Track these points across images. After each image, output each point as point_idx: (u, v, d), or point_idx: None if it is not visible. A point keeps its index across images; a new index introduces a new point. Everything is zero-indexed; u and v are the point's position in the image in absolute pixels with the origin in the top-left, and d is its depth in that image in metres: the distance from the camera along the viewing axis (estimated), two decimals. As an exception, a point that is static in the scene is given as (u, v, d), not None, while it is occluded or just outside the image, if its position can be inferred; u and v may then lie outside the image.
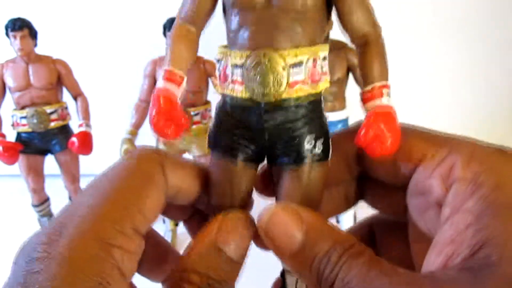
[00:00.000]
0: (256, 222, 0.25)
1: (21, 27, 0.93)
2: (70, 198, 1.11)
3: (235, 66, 0.24)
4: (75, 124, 1.02)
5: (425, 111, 1.41)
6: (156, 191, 0.24)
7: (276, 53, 0.23)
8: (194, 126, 1.00)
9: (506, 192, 0.20)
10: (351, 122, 1.00)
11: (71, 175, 1.07)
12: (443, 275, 0.19)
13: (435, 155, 0.24)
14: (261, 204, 0.29)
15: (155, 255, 0.29)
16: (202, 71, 0.98)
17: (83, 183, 1.10)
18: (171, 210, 0.30)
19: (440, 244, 0.21)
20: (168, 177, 0.26)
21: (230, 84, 0.25)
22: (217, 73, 0.26)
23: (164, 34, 0.97)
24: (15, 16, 0.95)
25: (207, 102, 1.03)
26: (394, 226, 0.30)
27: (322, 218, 0.24)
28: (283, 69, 0.23)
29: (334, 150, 0.26)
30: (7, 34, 0.94)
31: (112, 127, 1.22)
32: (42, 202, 1.08)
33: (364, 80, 0.25)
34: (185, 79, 0.25)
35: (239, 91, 0.24)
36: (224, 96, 0.26)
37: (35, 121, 0.97)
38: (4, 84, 0.98)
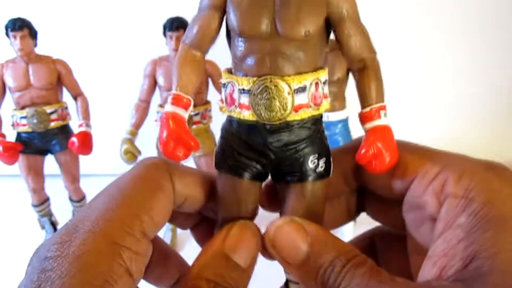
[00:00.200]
0: (263, 235, 0.26)
1: (21, 27, 0.93)
2: (70, 198, 1.11)
3: (242, 91, 0.26)
4: (75, 124, 1.02)
5: (425, 111, 1.41)
6: (164, 197, 0.26)
7: (282, 79, 0.25)
8: (194, 126, 1.00)
9: (495, 207, 0.21)
10: (351, 122, 1.00)
11: (71, 175, 1.07)
12: (438, 285, 0.21)
13: (428, 172, 0.25)
14: (264, 215, 0.31)
15: (161, 261, 0.30)
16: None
17: (83, 183, 1.10)
18: (179, 218, 0.32)
19: (434, 256, 0.22)
20: (175, 185, 0.27)
21: (237, 108, 0.26)
22: (222, 96, 0.28)
23: (164, 34, 0.97)
24: (15, 16, 0.95)
25: (207, 102, 1.04)
26: (394, 238, 0.32)
27: (325, 231, 0.25)
28: (288, 94, 0.25)
29: (334, 165, 0.28)
30: (7, 34, 0.94)
31: (112, 127, 1.22)
32: (42, 202, 1.08)
33: (362, 102, 0.27)
34: (192, 102, 0.27)
35: (246, 115, 0.26)
36: (230, 118, 0.28)
37: (35, 121, 0.97)
38: (4, 84, 0.98)
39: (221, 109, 0.28)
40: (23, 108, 0.98)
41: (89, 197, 1.12)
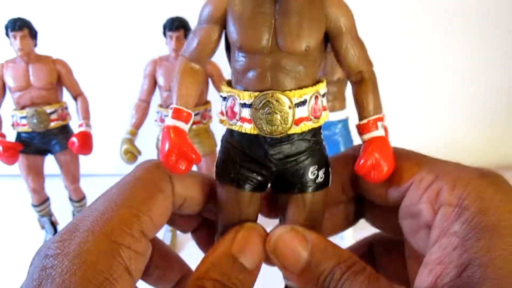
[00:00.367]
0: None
1: (21, 27, 0.93)
2: (70, 198, 1.11)
3: (243, 105, 0.26)
4: (75, 124, 1.02)
5: (425, 111, 1.41)
6: (163, 198, 0.26)
7: (283, 94, 0.25)
8: (194, 126, 0.99)
9: (488, 215, 0.22)
10: (351, 122, 1.00)
11: (71, 175, 1.07)
12: None
13: (422, 180, 0.26)
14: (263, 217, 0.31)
15: (162, 263, 0.30)
16: (202, 71, 0.99)
17: (83, 183, 1.10)
18: (179, 221, 0.32)
19: (430, 264, 0.23)
20: (175, 186, 0.27)
21: (239, 122, 0.27)
22: (223, 109, 0.28)
23: (164, 34, 0.97)
24: (15, 16, 0.95)
25: (207, 102, 1.04)
26: (393, 244, 0.33)
27: (326, 239, 0.26)
28: (290, 108, 0.26)
29: (332, 175, 0.29)
30: (7, 34, 0.94)
31: (112, 127, 1.22)
32: (42, 202, 1.08)
33: (359, 113, 0.28)
34: (192, 115, 0.27)
35: (247, 128, 0.26)
36: (231, 130, 0.28)
37: (35, 121, 0.97)
38: (4, 84, 0.98)
39: (221, 122, 0.28)
40: (23, 108, 0.97)
41: (89, 197, 1.12)
